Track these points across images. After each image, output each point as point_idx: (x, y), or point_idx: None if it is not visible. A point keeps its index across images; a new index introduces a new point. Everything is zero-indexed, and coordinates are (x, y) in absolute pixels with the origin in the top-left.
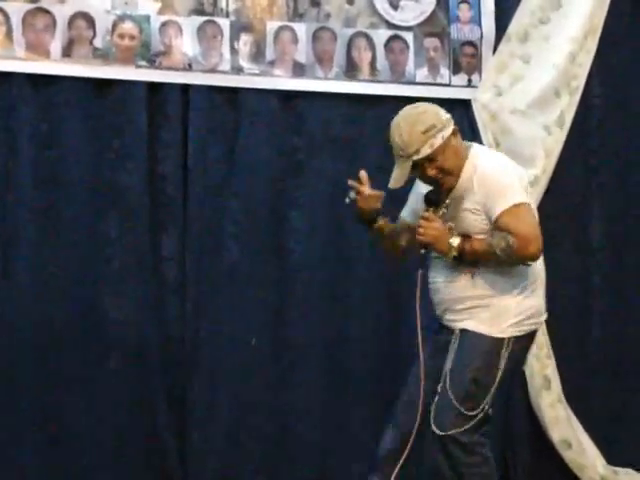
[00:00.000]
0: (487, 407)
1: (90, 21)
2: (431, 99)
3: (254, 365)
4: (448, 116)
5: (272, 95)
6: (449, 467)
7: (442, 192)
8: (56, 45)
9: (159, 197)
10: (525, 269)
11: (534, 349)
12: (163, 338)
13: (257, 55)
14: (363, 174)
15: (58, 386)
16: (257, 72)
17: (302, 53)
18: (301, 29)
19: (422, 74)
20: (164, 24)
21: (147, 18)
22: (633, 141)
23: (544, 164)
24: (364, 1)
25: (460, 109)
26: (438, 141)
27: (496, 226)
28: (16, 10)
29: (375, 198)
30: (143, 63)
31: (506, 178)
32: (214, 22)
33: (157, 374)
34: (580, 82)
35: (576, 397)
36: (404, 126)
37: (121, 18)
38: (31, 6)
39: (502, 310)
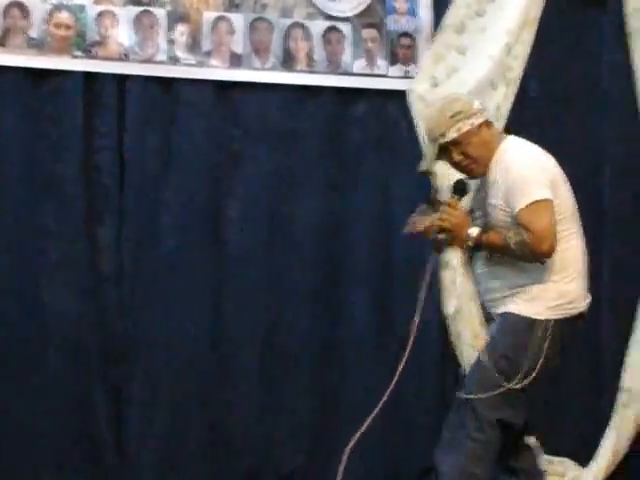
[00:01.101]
0: (518, 385)
1: (25, 10)
2: (368, 90)
3: (192, 355)
4: (480, 107)
5: (208, 85)
6: (451, 428)
7: (468, 183)
8: None
9: (95, 187)
10: (562, 258)
11: (470, 339)
12: (100, 329)
13: (193, 45)
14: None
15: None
16: (193, 62)
17: (239, 44)
18: (238, 20)
19: (359, 65)
20: (100, 14)
21: (83, 8)
22: (569, 133)
23: None
24: None
25: (397, 100)
26: (466, 127)
27: (516, 220)
28: None
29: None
30: (79, 53)
31: (528, 172)
32: (150, 12)
33: (95, 365)
34: (516, 74)
35: None
36: (434, 111)
37: (57, 7)
38: None
39: (540, 293)
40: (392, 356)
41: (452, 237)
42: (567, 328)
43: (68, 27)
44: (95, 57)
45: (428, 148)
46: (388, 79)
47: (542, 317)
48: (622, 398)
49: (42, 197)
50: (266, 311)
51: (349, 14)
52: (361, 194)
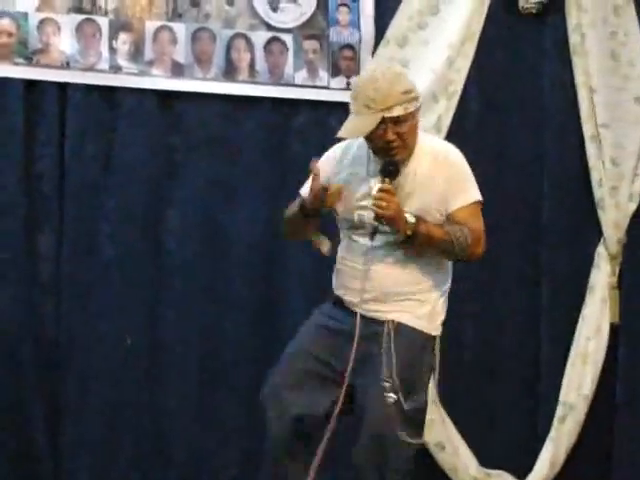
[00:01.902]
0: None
1: None
2: (309, 101)
3: (129, 365)
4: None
5: (150, 95)
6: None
7: (398, 163)
8: None
9: (35, 195)
10: (449, 266)
11: None
12: (37, 337)
13: (136, 54)
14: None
15: None
16: (135, 71)
17: (181, 53)
18: (180, 29)
19: (301, 76)
20: (42, 21)
21: (25, 15)
22: (510, 145)
23: None
24: (244, 2)
25: (339, 112)
26: (411, 108)
27: (452, 218)
28: None
29: (338, 193)
30: (20, 60)
31: (468, 171)
32: (93, 20)
33: (31, 374)
34: (457, 87)
35: (450, 399)
36: (382, 80)
37: None
38: None
39: (437, 306)
40: None
41: (392, 225)
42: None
43: (10, 34)
44: (37, 65)
45: (366, 117)
46: (330, 91)
47: (437, 333)
48: (560, 411)
49: None
50: (204, 319)
51: (291, 25)
52: None
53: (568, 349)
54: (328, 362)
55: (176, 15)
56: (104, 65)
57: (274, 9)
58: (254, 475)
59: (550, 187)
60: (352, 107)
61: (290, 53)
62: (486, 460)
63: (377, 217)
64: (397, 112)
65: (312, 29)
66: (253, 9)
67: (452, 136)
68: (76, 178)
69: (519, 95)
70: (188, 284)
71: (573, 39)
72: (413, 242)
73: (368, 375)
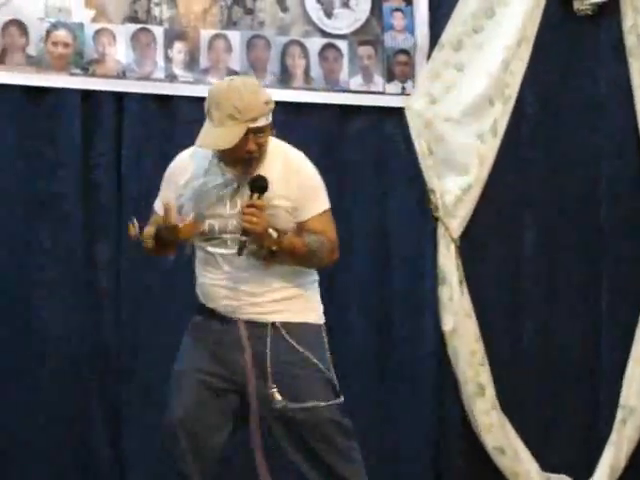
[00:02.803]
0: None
1: (23, 28)
2: (365, 107)
3: None
4: None
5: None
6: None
7: (266, 177)
8: None
9: (93, 205)
10: None
11: (467, 356)
12: (98, 347)
13: (191, 63)
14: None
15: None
16: (191, 80)
17: (236, 61)
18: (235, 37)
19: (356, 82)
20: (98, 32)
21: (81, 26)
22: (565, 149)
23: (477, 172)
24: (298, 9)
25: (394, 117)
26: (270, 118)
27: (305, 226)
28: None
29: (194, 228)
30: (77, 71)
31: (318, 180)
32: (148, 30)
33: (92, 383)
34: (513, 90)
35: (510, 404)
36: (245, 91)
37: (55, 26)
38: None
39: (310, 298)
40: (390, 377)
41: (257, 240)
42: None
43: (66, 45)
44: (93, 75)
45: (231, 127)
46: (385, 96)
47: (322, 321)
48: (621, 414)
49: (39, 215)
50: None
51: (346, 31)
52: (358, 210)
53: (628, 353)
54: (217, 373)
55: (231, 23)
56: (160, 74)
57: (328, 15)
58: None
59: (608, 190)
60: (213, 116)
61: (345, 59)
62: (547, 464)
63: (244, 232)
64: (261, 123)
65: (367, 35)
66: (307, 16)
67: (508, 140)
68: (133, 187)
69: (575, 97)
70: None
71: (629, 40)
72: (276, 256)
73: (259, 378)
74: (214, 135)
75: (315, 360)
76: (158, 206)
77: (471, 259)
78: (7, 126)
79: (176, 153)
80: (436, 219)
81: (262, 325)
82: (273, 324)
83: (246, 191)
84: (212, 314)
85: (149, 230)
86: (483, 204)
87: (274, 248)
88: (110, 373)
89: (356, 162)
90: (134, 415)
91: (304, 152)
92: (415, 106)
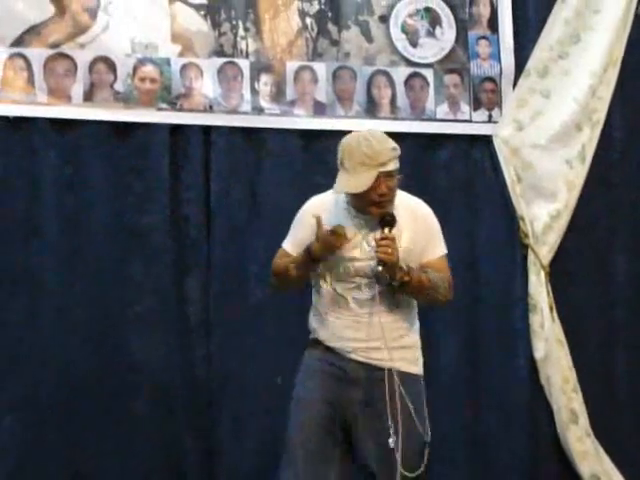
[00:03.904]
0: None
1: (111, 65)
2: (452, 135)
3: (280, 405)
4: None
5: (293, 135)
6: None
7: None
8: (77, 89)
9: (182, 239)
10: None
11: (560, 383)
12: (189, 380)
13: (277, 95)
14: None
15: (85, 430)
16: (278, 112)
17: (322, 92)
18: (321, 68)
19: (442, 111)
20: (184, 66)
21: (167, 61)
22: None
23: (566, 198)
24: (383, 39)
25: (481, 145)
26: (398, 163)
27: (429, 266)
28: (37, 56)
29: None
30: (164, 106)
31: (438, 226)
32: (234, 63)
33: (183, 416)
34: (601, 115)
35: (604, 431)
36: (373, 140)
37: (141, 61)
38: (52, 51)
39: (419, 348)
40: (481, 404)
41: (391, 271)
42: None
43: (153, 80)
44: (180, 109)
45: (364, 172)
46: (472, 124)
47: (422, 372)
48: None
49: (129, 250)
50: None
51: (432, 60)
52: (447, 238)
53: None
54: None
55: (316, 55)
56: (247, 107)
57: (414, 45)
58: None
59: None
60: (346, 165)
61: (431, 88)
62: None
63: (380, 262)
64: (390, 167)
65: (452, 63)
66: (393, 45)
67: (596, 165)
68: (222, 220)
69: None
70: None
71: None
72: (406, 289)
73: (373, 421)
74: (349, 181)
75: (415, 417)
76: (289, 246)
77: (561, 286)
78: (96, 162)
79: (264, 185)
80: (526, 246)
81: (379, 369)
82: (389, 370)
83: (376, 234)
84: (331, 350)
85: (288, 261)
86: (572, 230)
87: (406, 279)
88: (201, 406)
89: (444, 190)
90: (226, 447)
91: None
92: (502, 133)
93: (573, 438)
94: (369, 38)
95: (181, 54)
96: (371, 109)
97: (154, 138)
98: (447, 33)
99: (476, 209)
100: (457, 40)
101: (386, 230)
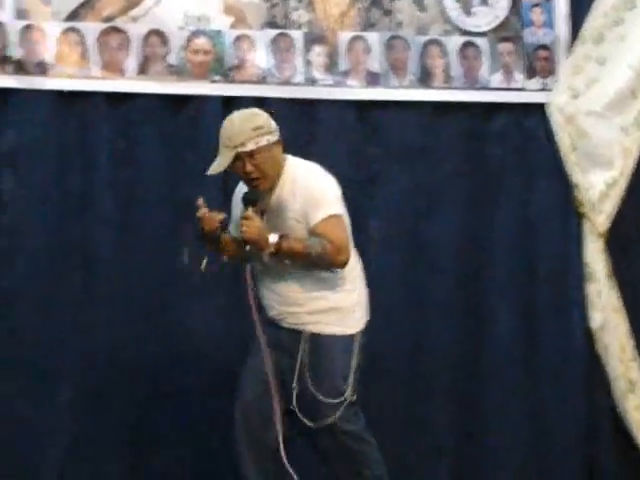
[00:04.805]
0: (349, 395)
1: (164, 38)
2: (506, 104)
3: None
4: (276, 126)
5: (347, 105)
6: (340, 458)
7: (258, 192)
8: (131, 63)
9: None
10: (351, 269)
11: (618, 352)
12: (246, 351)
13: (330, 66)
14: (199, 202)
15: (141, 402)
16: (331, 83)
17: (375, 62)
18: (374, 38)
19: (496, 79)
20: (237, 38)
21: (220, 33)
22: None
23: (622, 166)
24: (436, 8)
25: (535, 113)
26: (263, 142)
27: (312, 233)
28: (91, 30)
29: (214, 219)
30: (217, 78)
31: (322, 189)
32: (287, 34)
33: None
34: None
35: None
36: (236, 120)
37: (194, 34)
38: (106, 25)
39: (345, 308)
40: (537, 375)
41: (255, 246)
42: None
43: (206, 52)
44: (233, 81)
45: (224, 154)
46: (526, 92)
47: (354, 330)
48: None
49: (184, 222)
50: (409, 329)
51: (485, 29)
52: (502, 209)
53: None
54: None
55: (369, 24)
56: (300, 78)
57: (467, 13)
58: None
59: None
60: (219, 147)
61: (485, 57)
62: None
63: (245, 241)
64: (249, 147)
65: (506, 31)
66: (446, 14)
67: None
68: None
69: None
70: (391, 293)
71: None
72: (279, 258)
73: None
74: (215, 163)
75: (310, 376)
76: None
77: (618, 254)
78: (150, 135)
79: (318, 156)
80: (581, 215)
81: (297, 332)
82: (311, 335)
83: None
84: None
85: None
86: (629, 197)
87: (272, 250)
88: None
89: (499, 159)
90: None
91: (446, 151)
92: (557, 101)
93: (631, 407)
94: (422, 7)
95: (233, 26)
96: (424, 79)
97: (207, 110)
98: (501, 1)
99: (530, 178)
100: (511, 8)
101: (248, 209)
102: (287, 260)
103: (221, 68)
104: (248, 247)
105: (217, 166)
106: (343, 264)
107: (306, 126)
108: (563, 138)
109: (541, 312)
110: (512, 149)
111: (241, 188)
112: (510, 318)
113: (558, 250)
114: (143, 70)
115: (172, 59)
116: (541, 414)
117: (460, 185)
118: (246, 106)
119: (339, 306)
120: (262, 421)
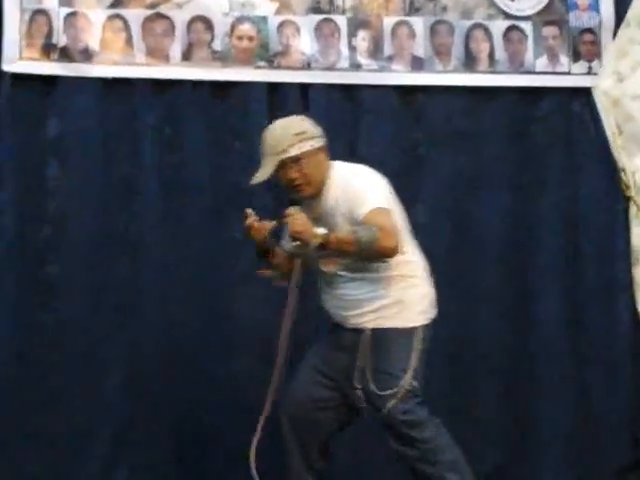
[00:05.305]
0: (414, 384)
1: (208, 24)
2: (551, 88)
3: None
4: (321, 132)
5: (391, 90)
6: (407, 448)
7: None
8: (175, 49)
9: (282, 198)
10: (407, 264)
11: None
12: (292, 336)
13: (375, 51)
14: (248, 211)
15: (189, 386)
16: (375, 68)
17: (420, 47)
18: (418, 23)
19: (541, 63)
20: (282, 24)
21: (265, 19)
22: None
23: None
24: None
25: (581, 97)
26: (306, 147)
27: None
28: (135, 17)
29: (262, 228)
30: (262, 64)
31: (365, 187)
32: (331, 20)
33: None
34: None
35: None
36: (278, 127)
37: (239, 20)
38: (150, 12)
39: (407, 302)
40: (584, 358)
41: (301, 239)
42: (430, 330)
43: (251, 38)
44: (278, 67)
45: (267, 162)
46: (571, 76)
47: (416, 324)
48: None
49: (230, 209)
50: (455, 313)
51: (529, 12)
52: (548, 193)
53: None
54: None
55: (413, 9)
56: (344, 63)
57: None
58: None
59: None
60: (261, 156)
61: (529, 40)
62: None
63: (292, 237)
64: (292, 153)
65: (551, 15)
66: None
67: None
68: None
69: None
70: (436, 277)
71: None
72: (326, 249)
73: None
74: (259, 171)
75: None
76: None
77: None
78: (195, 122)
79: (363, 141)
80: (628, 198)
81: (360, 331)
82: (372, 330)
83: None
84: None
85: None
86: None
87: (320, 241)
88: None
89: (543, 144)
90: None
91: (490, 136)
92: (602, 85)
93: None
94: None
95: (278, 12)
96: (469, 63)
97: (252, 96)
98: None
99: (576, 162)
100: None
101: (290, 208)
102: (337, 253)
103: (265, 54)
104: (295, 243)
105: (261, 175)
106: (393, 251)
107: (350, 111)
108: (609, 122)
109: (588, 296)
110: (557, 133)
111: None
112: (556, 302)
113: (605, 234)
114: (188, 56)
115: (217, 45)
116: (588, 397)
117: (505, 169)
118: (291, 92)
119: (401, 299)
120: (312, 403)
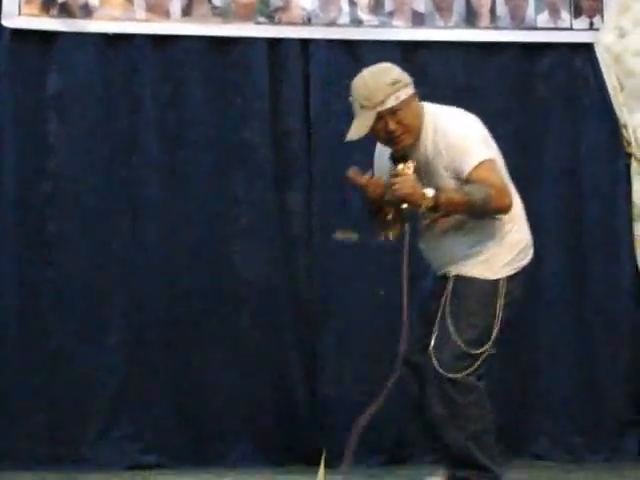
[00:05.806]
0: (489, 348)
1: None
2: (553, 44)
3: (382, 317)
4: (410, 77)
5: (392, 46)
6: (443, 405)
7: (402, 150)
8: (175, 5)
9: (283, 152)
10: (496, 223)
11: None
12: (292, 292)
13: (376, 6)
14: (353, 171)
15: (189, 346)
16: (376, 24)
17: (421, 2)
18: None
19: (543, 19)
20: None
21: None
22: None
23: None
24: None
25: (582, 53)
26: (403, 95)
27: (468, 180)
28: None
29: (379, 183)
30: (262, 19)
31: (464, 136)
32: None
33: (287, 328)
34: None
35: None
36: (369, 78)
37: None
38: None
39: (494, 252)
40: (586, 314)
41: (411, 202)
42: (521, 278)
43: None
44: (278, 23)
45: (363, 115)
46: (573, 32)
47: (499, 276)
48: None
49: (231, 165)
50: None
51: None
52: (549, 149)
53: None
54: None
55: None
56: (345, 19)
57: None
58: None
59: None
60: (354, 110)
61: None
62: None
63: (401, 200)
64: (390, 104)
65: None
66: None
67: None
68: (323, 133)
69: None
70: None
71: None
72: (439, 211)
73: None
74: (353, 127)
75: (452, 322)
76: None
77: None
78: (195, 78)
79: None
80: (629, 155)
81: (446, 278)
82: (454, 276)
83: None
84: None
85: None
86: None
87: (431, 203)
88: (304, 318)
89: (545, 100)
90: (329, 358)
91: (492, 91)
92: (604, 41)
93: None
94: None
95: None
96: (470, 19)
97: (253, 52)
98: None
99: (577, 118)
100: None
101: (398, 167)
102: (448, 213)
103: (266, 9)
104: (405, 206)
105: (357, 130)
106: (508, 207)
107: (351, 67)
108: (610, 78)
109: (589, 252)
110: (559, 89)
111: (381, 150)
112: (558, 258)
113: (606, 190)
114: (188, 12)
115: (217, 1)
116: (590, 353)
117: (506, 125)
118: (292, 48)
119: (487, 249)
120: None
